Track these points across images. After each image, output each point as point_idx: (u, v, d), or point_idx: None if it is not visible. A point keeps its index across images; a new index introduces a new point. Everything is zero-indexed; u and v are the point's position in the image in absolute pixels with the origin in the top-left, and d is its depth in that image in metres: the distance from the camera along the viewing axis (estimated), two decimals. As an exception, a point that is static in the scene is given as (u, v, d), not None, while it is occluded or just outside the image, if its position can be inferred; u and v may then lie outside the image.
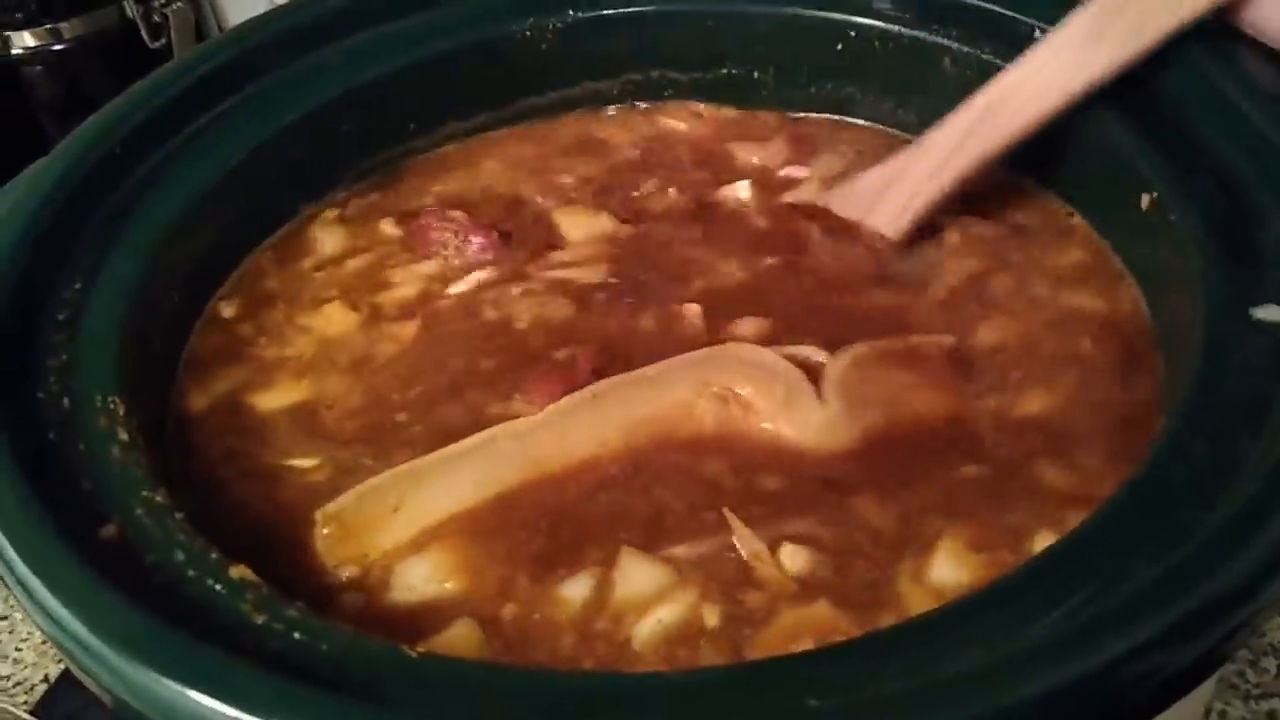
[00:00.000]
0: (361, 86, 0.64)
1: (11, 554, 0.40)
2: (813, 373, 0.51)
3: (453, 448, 0.49)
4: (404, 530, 0.47)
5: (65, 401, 0.47)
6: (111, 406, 0.47)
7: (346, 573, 0.46)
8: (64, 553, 0.40)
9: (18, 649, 0.79)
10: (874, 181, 0.59)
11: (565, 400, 0.51)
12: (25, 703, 0.74)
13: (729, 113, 0.69)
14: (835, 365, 0.51)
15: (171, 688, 0.36)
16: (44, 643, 0.79)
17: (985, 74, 0.58)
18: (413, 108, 0.66)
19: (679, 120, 0.69)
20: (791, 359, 0.51)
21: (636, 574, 0.45)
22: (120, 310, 0.51)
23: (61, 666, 0.77)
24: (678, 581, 0.45)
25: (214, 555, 0.41)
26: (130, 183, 0.56)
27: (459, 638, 0.44)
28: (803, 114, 0.69)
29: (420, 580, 0.46)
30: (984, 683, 0.34)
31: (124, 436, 0.46)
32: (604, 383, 0.51)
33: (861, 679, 0.35)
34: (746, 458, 0.49)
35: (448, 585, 0.46)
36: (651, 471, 0.49)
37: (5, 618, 0.80)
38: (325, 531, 0.48)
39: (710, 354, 0.52)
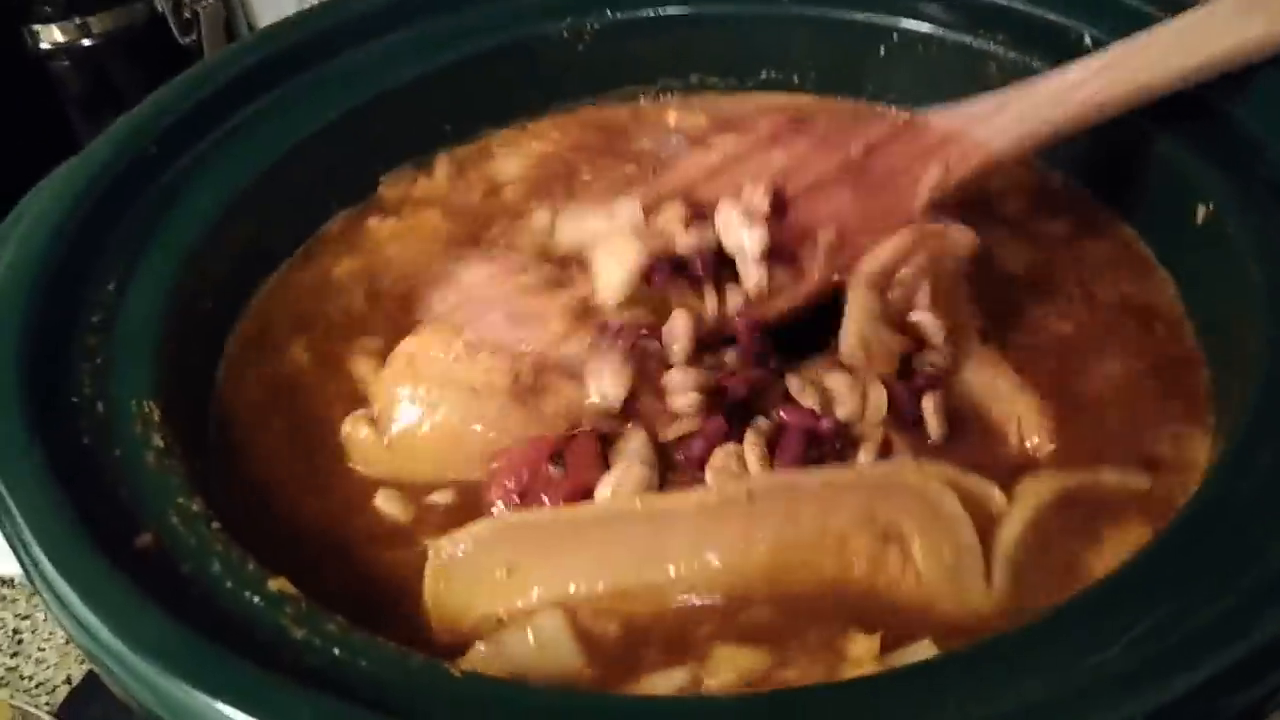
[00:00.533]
0: (397, 88, 0.63)
1: (44, 561, 0.39)
2: (985, 523, 0.44)
3: (575, 512, 0.45)
4: (515, 598, 0.44)
5: (99, 406, 0.46)
6: (147, 410, 0.46)
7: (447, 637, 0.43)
8: (98, 561, 0.39)
9: (40, 649, 0.78)
10: (987, 104, 0.55)
11: (716, 493, 0.45)
12: (47, 703, 0.74)
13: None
14: (1011, 527, 0.44)
15: (205, 701, 0.35)
16: (67, 643, 0.78)
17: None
18: (448, 109, 0.65)
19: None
20: (967, 495, 0.45)
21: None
22: (155, 312, 0.50)
23: (84, 668, 0.76)
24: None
25: (252, 566, 0.40)
26: (164, 182, 0.56)
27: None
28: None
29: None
30: (1050, 711, 0.33)
31: (159, 442, 0.45)
32: (762, 481, 0.45)
33: (926, 705, 0.34)
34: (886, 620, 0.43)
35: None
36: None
37: (28, 617, 0.80)
38: (438, 587, 0.44)
39: (889, 477, 0.45)
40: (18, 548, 0.41)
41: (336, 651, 0.37)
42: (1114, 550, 0.43)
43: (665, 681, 0.40)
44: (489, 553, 0.44)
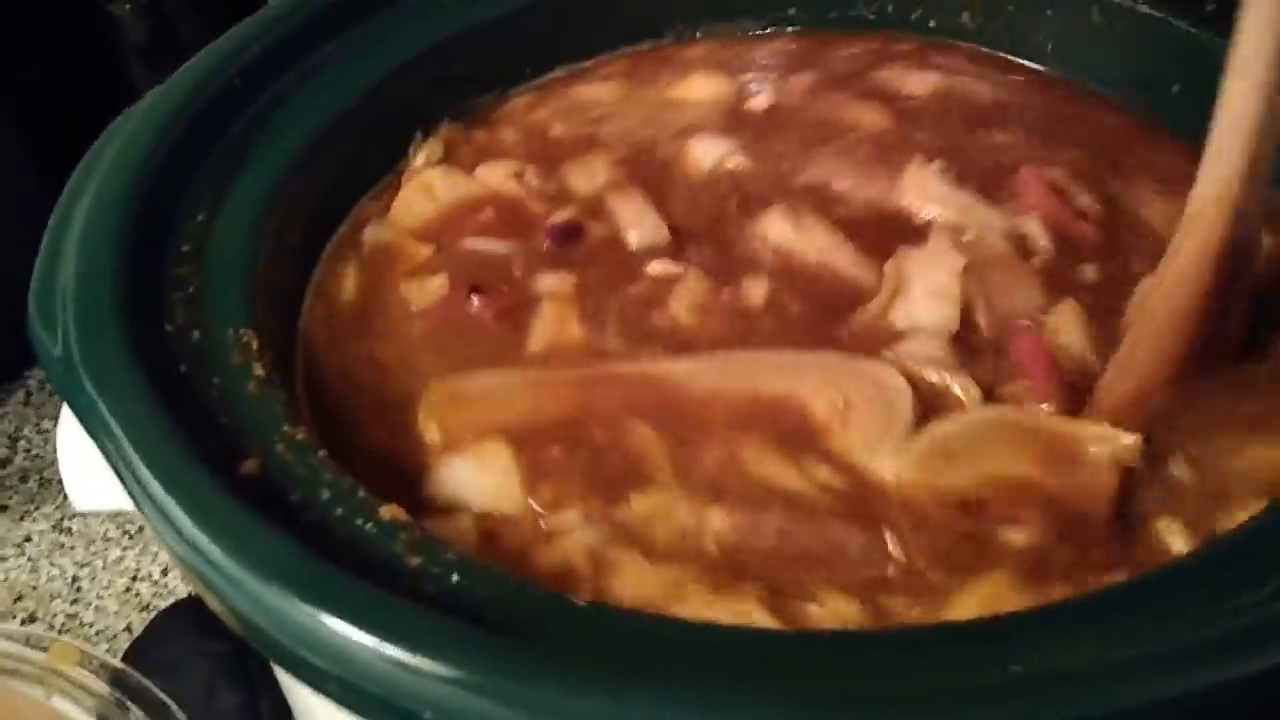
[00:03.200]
0: (477, 24, 0.62)
1: (152, 482, 0.38)
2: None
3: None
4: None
5: (195, 335, 0.45)
6: (245, 340, 0.45)
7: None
8: (207, 483, 0.38)
9: (100, 596, 0.77)
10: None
11: (693, 360, 0.48)
12: (109, 651, 0.73)
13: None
14: (950, 423, 0.46)
15: (329, 622, 0.34)
16: (126, 590, 0.78)
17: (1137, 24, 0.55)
18: (526, 48, 0.64)
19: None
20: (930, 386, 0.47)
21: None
22: (246, 243, 0.49)
23: (145, 615, 0.76)
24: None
25: (361, 494, 0.39)
26: (249, 115, 0.55)
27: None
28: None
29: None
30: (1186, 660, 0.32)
31: (259, 371, 0.44)
32: (733, 356, 0.49)
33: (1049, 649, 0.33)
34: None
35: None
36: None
37: (87, 565, 0.79)
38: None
39: (844, 363, 0.48)
40: (122, 470, 0.40)
41: (455, 579, 0.36)
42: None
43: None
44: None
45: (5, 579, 0.78)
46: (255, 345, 0.45)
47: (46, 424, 0.88)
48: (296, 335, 0.51)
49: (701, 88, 0.63)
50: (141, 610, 0.76)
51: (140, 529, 0.81)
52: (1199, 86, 0.46)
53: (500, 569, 0.38)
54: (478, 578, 0.36)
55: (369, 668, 0.34)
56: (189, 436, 0.40)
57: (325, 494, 0.39)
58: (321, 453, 0.41)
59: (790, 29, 0.68)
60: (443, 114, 0.61)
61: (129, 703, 0.51)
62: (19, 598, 0.77)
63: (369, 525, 0.38)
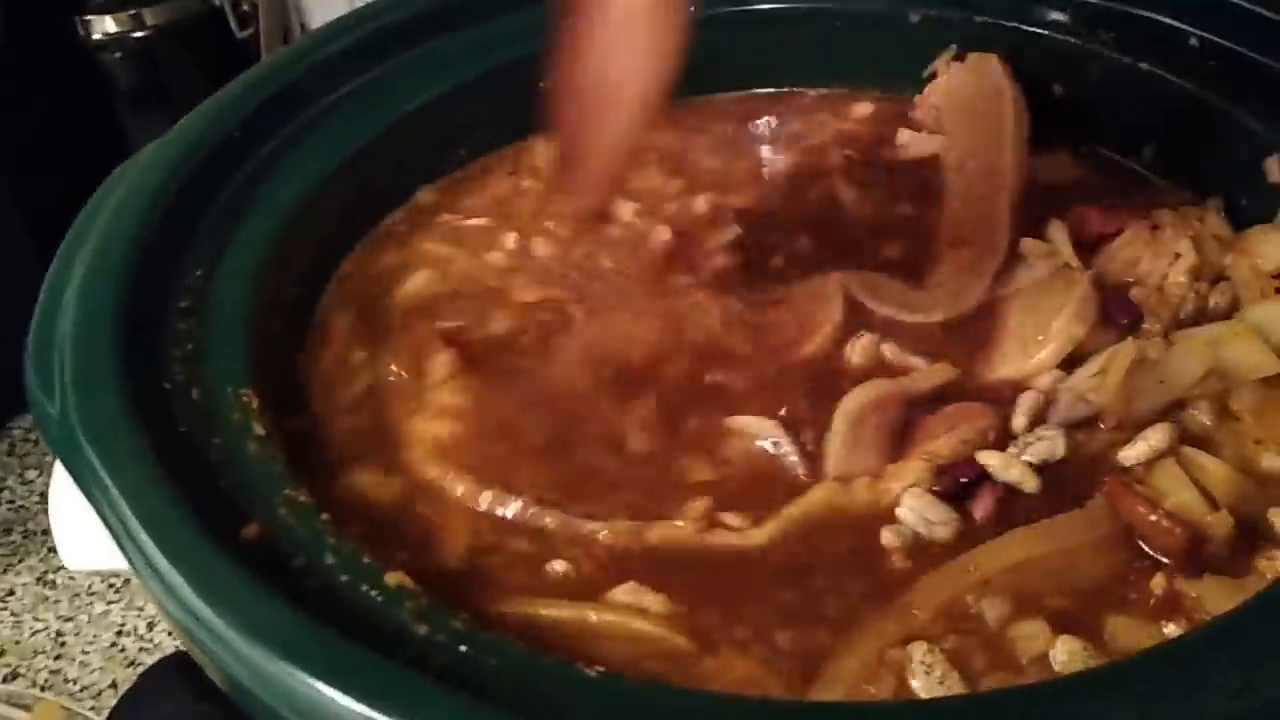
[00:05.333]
0: (479, 77, 0.61)
1: (150, 547, 0.37)
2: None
3: None
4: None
5: (194, 393, 0.44)
6: (245, 399, 0.44)
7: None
8: (207, 549, 0.37)
9: (84, 651, 0.76)
10: None
11: None
12: (93, 708, 0.72)
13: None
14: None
15: (333, 696, 0.33)
16: (111, 645, 0.76)
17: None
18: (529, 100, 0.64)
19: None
20: None
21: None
22: (245, 299, 0.48)
23: (130, 672, 0.74)
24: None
25: (366, 560, 0.38)
26: (250, 168, 0.54)
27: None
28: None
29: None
30: None
31: (259, 431, 0.43)
32: None
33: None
34: None
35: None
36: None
37: (71, 619, 0.78)
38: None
39: None
40: (120, 534, 0.39)
41: (463, 649, 0.35)
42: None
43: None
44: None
45: (-12, 634, 0.77)
46: (255, 404, 0.44)
47: (31, 474, 0.87)
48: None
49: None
50: (127, 666, 0.75)
51: (126, 582, 0.80)
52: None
53: (509, 638, 0.37)
54: (486, 647, 0.35)
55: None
56: (189, 501, 0.39)
57: (329, 559, 0.38)
58: (325, 516, 0.40)
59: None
60: (438, 171, 0.61)
61: (115, 765, 0.50)
62: (1, 653, 0.76)
63: (374, 592, 0.37)
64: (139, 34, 0.88)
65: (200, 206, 0.51)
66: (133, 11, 0.86)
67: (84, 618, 0.77)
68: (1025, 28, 0.62)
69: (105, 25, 0.87)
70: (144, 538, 0.38)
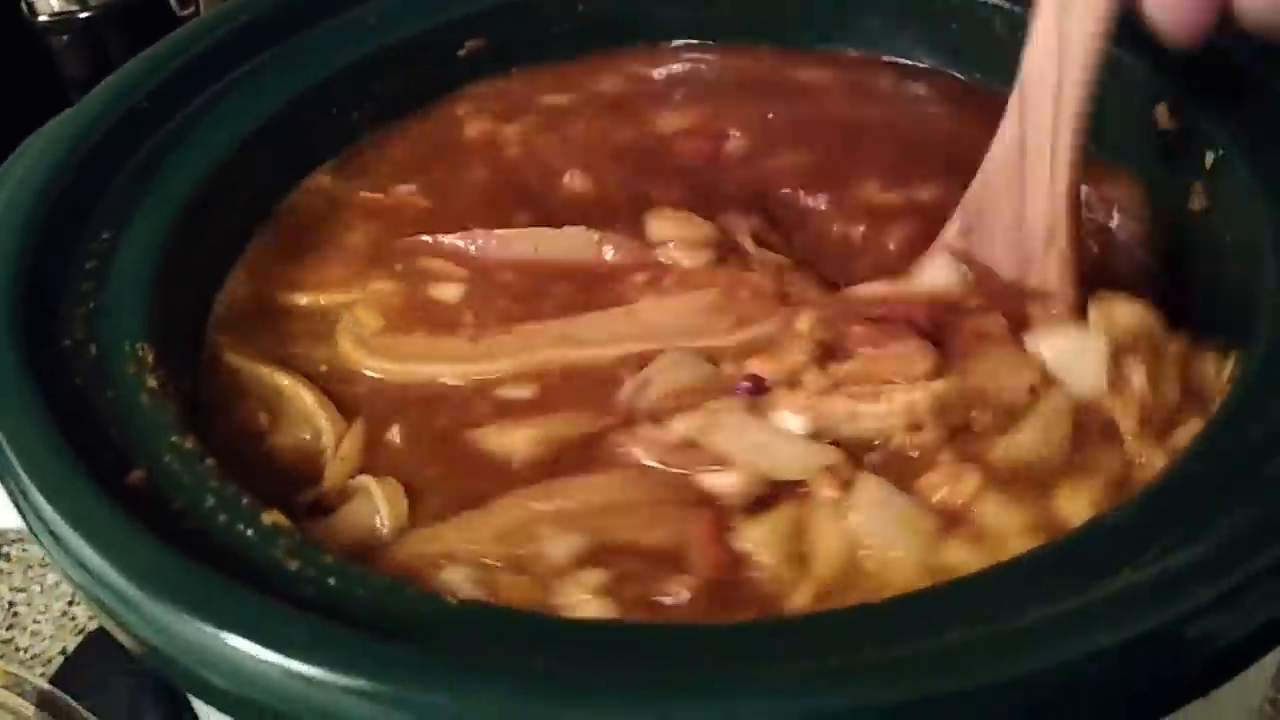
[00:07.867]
0: (394, 43, 0.62)
1: (39, 498, 0.39)
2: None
3: None
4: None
5: (92, 349, 0.45)
6: (140, 353, 0.45)
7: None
8: (91, 496, 0.39)
9: (35, 621, 0.77)
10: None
11: None
12: (43, 674, 0.73)
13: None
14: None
15: (200, 627, 0.35)
16: (62, 615, 0.78)
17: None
18: (446, 67, 0.65)
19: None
20: None
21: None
22: (149, 260, 0.50)
23: (79, 639, 0.76)
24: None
25: (245, 501, 0.40)
26: (158, 136, 0.55)
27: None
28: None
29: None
30: (1053, 635, 0.33)
31: (153, 383, 0.44)
32: None
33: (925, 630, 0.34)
34: None
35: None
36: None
37: (24, 590, 0.79)
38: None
39: None
40: (12, 487, 0.40)
41: (331, 581, 0.37)
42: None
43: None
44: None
45: (-60, 605, 0.78)
46: (150, 358, 0.45)
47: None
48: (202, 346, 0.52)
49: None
50: (77, 634, 0.76)
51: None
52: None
53: (376, 571, 0.38)
54: (353, 580, 0.37)
55: (240, 669, 0.34)
56: (77, 452, 0.40)
57: (209, 501, 0.40)
58: (209, 461, 0.41)
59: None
60: (351, 138, 0.62)
61: (56, 723, 0.52)
62: (-47, 625, 0.77)
63: (250, 531, 0.39)
64: (84, 14, 0.89)
65: (108, 175, 0.52)
66: (78, -9, 0.87)
67: (36, 588, 0.78)
68: None
69: (50, 5, 0.88)
70: (27, 482, 0.39)
